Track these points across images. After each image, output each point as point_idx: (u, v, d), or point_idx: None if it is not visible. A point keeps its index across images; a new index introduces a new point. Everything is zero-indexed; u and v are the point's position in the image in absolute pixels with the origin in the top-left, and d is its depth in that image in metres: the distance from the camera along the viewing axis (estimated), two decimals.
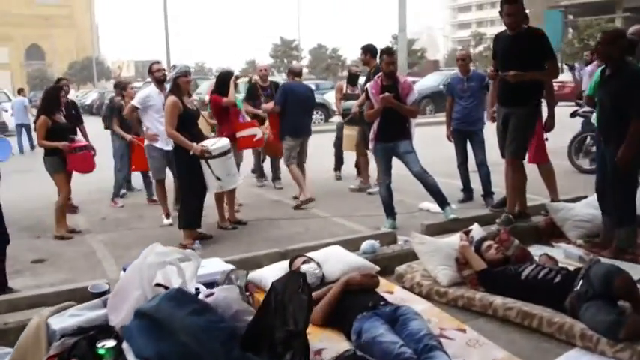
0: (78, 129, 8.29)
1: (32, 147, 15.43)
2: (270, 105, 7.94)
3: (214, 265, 4.13)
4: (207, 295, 2.91)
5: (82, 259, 5.82)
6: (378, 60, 7.20)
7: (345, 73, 9.05)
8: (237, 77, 7.43)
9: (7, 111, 19.21)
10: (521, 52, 5.50)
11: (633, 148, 4.79)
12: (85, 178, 7.20)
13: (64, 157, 6.54)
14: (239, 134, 7.11)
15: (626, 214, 5.07)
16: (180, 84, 5.96)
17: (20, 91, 18.32)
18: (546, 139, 6.50)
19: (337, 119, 9.43)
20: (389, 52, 6.39)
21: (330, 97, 10.62)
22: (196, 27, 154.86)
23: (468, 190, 7.67)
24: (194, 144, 5.86)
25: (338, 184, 9.18)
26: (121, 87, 8.82)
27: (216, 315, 2.73)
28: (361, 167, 8.79)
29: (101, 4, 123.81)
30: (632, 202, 5.09)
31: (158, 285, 2.91)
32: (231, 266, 4.05)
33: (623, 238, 5.07)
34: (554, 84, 6.37)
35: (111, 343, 2.80)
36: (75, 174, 6.83)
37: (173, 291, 2.83)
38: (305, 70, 67.09)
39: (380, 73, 6.44)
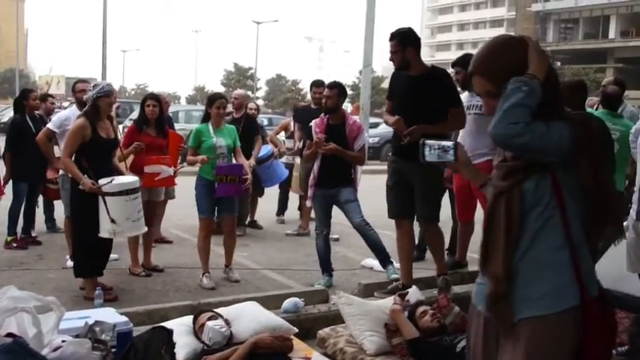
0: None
1: None
2: None
3: (106, 316, 4.08)
4: (55, 349, 2.88)
5: None
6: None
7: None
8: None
9: None
10: (423, 98, 5.38)
11: None
12: None
13: None
14: (147, 169, 6.81)
15: None
16: (100, 106, 5.72)
17: None
18: None
19: (285, 159, 9.59)
20: (317, 84, 6.60)
21: (280, 136, 10.50)
22: (142, 46, 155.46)
23: (420, 249, 7.41)
24: (85, 177, 5.59)
25: (278, 232, 9.22)
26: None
27: None
28: (303, 211, 8.94)
29: (33, 8, 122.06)
30: None
31: (10, 335, 2.86)
32: (124, 318, 4.03)
33: None
34: None
35: None
36: None
37: (11, 343, 2.79)
38: (261, 103, 67.33)
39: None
